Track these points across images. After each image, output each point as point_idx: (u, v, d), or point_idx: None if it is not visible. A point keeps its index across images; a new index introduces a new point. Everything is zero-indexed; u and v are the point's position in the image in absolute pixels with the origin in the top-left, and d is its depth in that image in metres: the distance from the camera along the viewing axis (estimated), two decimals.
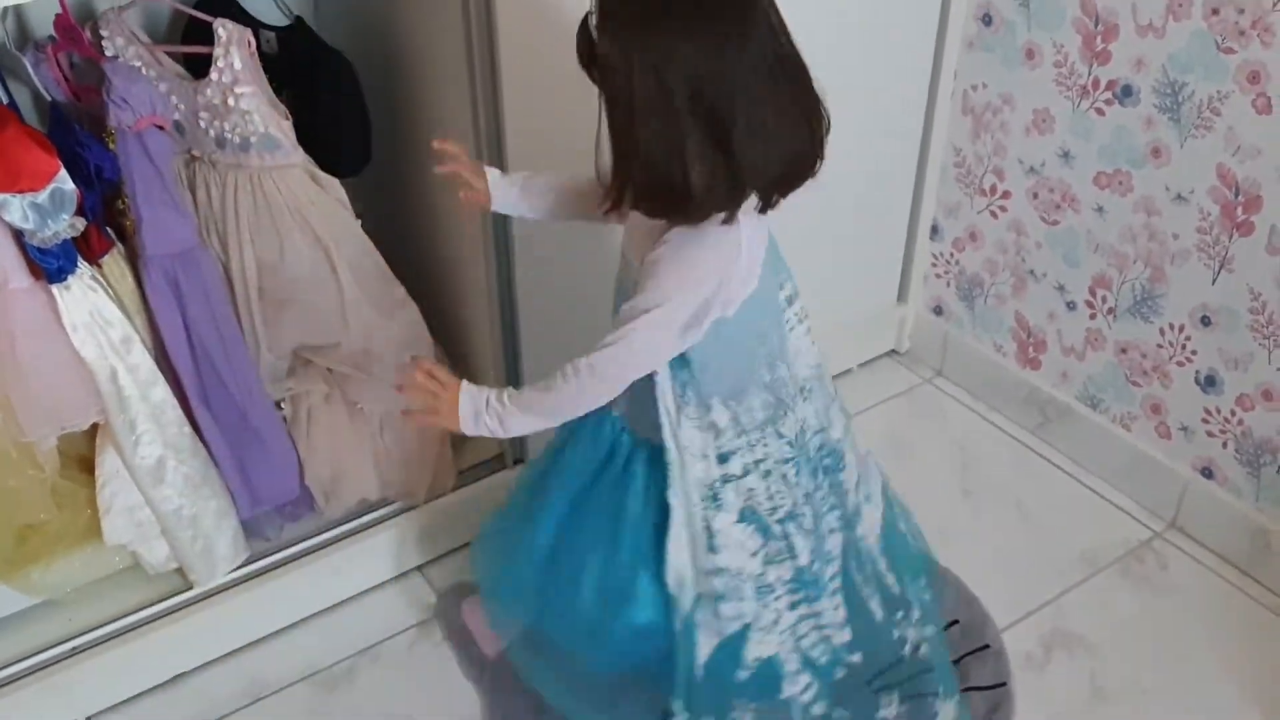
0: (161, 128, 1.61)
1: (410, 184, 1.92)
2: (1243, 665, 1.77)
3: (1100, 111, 1.89)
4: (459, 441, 1.95)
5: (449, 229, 1.90)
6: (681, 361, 1.32)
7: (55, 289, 1.55)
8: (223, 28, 1.61)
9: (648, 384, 1.33)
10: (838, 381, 2.33)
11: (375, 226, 1.82)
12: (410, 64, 1.79)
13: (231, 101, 1.65)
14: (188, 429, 1.70)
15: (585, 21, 1.19)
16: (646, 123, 1.14)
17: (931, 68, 2.12)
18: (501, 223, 1.73)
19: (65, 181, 1.47)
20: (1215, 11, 1.69)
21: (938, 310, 2.36)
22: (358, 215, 1.79)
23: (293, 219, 1.73)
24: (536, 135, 1.66)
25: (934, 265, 2.32)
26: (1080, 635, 1.83)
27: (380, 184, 1.90)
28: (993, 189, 2.13)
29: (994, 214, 2.15)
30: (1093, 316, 2.04)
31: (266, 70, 1.71)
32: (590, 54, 1.19)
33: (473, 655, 1.77)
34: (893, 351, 2.44)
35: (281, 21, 1.76)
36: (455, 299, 1.94)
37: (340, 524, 1.86)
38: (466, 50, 1.61)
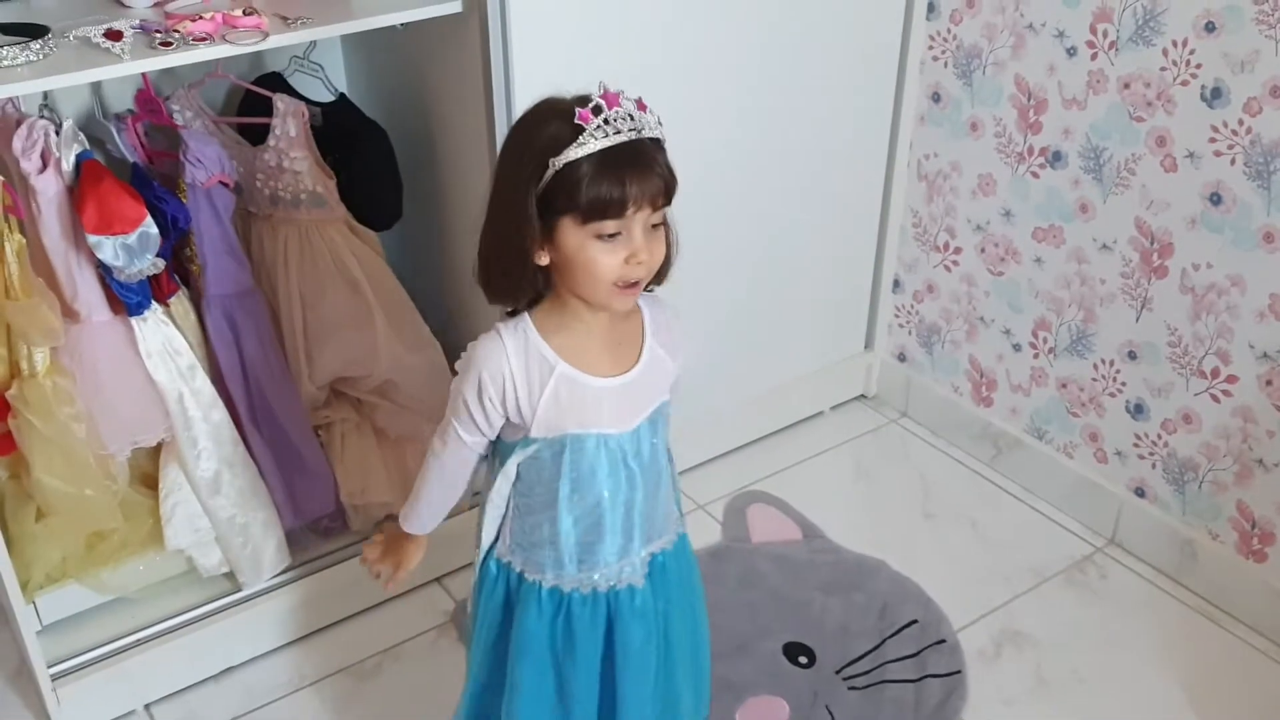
0: (227, 185, 1.88)
1: (433, 237, 2.18)
2: (1172, 660, 2.00)
3: (1035, 175, 2.18)
4: None
5: (464, 275, 2.15)
6: None
7: (134, 321, 1.81)
8: (281, 101, 1.90)
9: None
10: (811, 424, 2.61)
11: (403, 274, 2.09)
12: (435, 133, 2.07)
13: (286, 164, 1.93)
14: (241, 448, 1.94)
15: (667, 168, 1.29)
16: None
17: (889, 140, 2.41)
18: None
19: (151, 226, 1.73)
20: (1127, 86, 1.98)
21: (901, 357, 2.62)
22: (389, 264, 2.06)
23: (334, 265, 1.99)
24: None
25: (896, 316, 2.59)
26: (1027, 634, 2.06)
27: (408, 237, 2.17)
28: (946, 245, 2.41)
29: (948, 268, 2.42)
30: (1036, 356, 2.30)
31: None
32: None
33: None
34: (861, 396, 2.70)
35: (326, 98, 2.04)
36: (471, 339, 2.19)
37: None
38: (488, 122, 1.88)
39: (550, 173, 1.22)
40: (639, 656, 1.44)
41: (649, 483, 1.40)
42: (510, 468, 1.38)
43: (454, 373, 1.46)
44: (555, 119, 1.23)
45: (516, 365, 1.32)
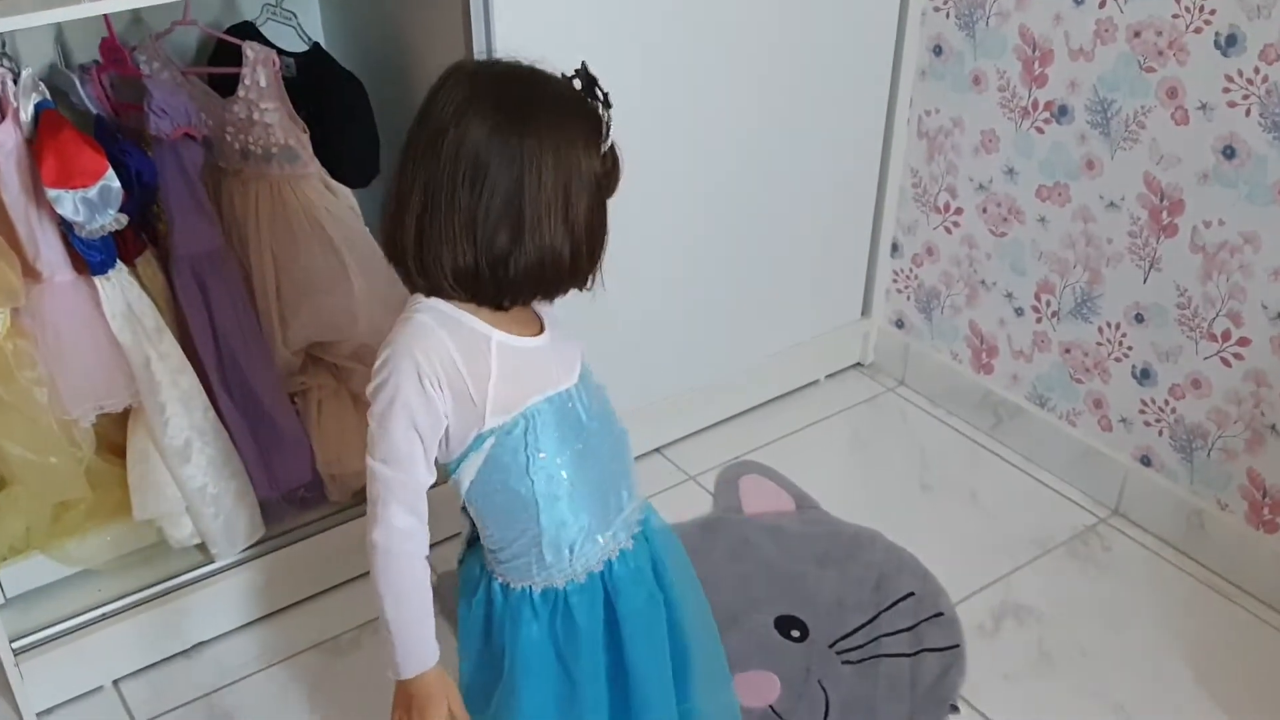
0: (194, 138, 1.79)
1: None
2: (1179, 634, 1.93)
3: (1040, 130, 2.09)
4: None
5: None
6: None
7: (97, 280, 1.72)
8: (250, 49, 1.81)
9: None
10: (805, 393, 2.52)
11: None
12: (415, 87, 1.98)
13: (256, 116, 1.84)
14: (212, 414, 1.86)
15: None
16: None
17: (888, 96, 2.32)
18: None
19: (113, 180, 1.64)
20: (1137, 34, 1.89)
21: (899, 323, 2.54)
22: (366, 223, 1.98)
23: (309, 223, 1.91)
24: None
25: (895, 281, 2.51)
26: (1029, 607, 1.99)
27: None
28: (946, 206, 2.32)
29: (948, 229, 2.34)
30: (1039, 320, 2.22)
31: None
32: None
33: None
34: (858, 364, 2.61)
35: (299, 48, 1.95)
36: None
37: (346, 509, 2.01)
38: None
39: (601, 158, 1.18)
40: (646, 620, 1.32)
41: (610, 435, 1.31)
42: (462, 488, 1.25)
43: None
44: (565, 99, 1.18)
45: (451, 341, 1.18)
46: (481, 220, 1.13)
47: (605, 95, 1.20)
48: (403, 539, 1.22)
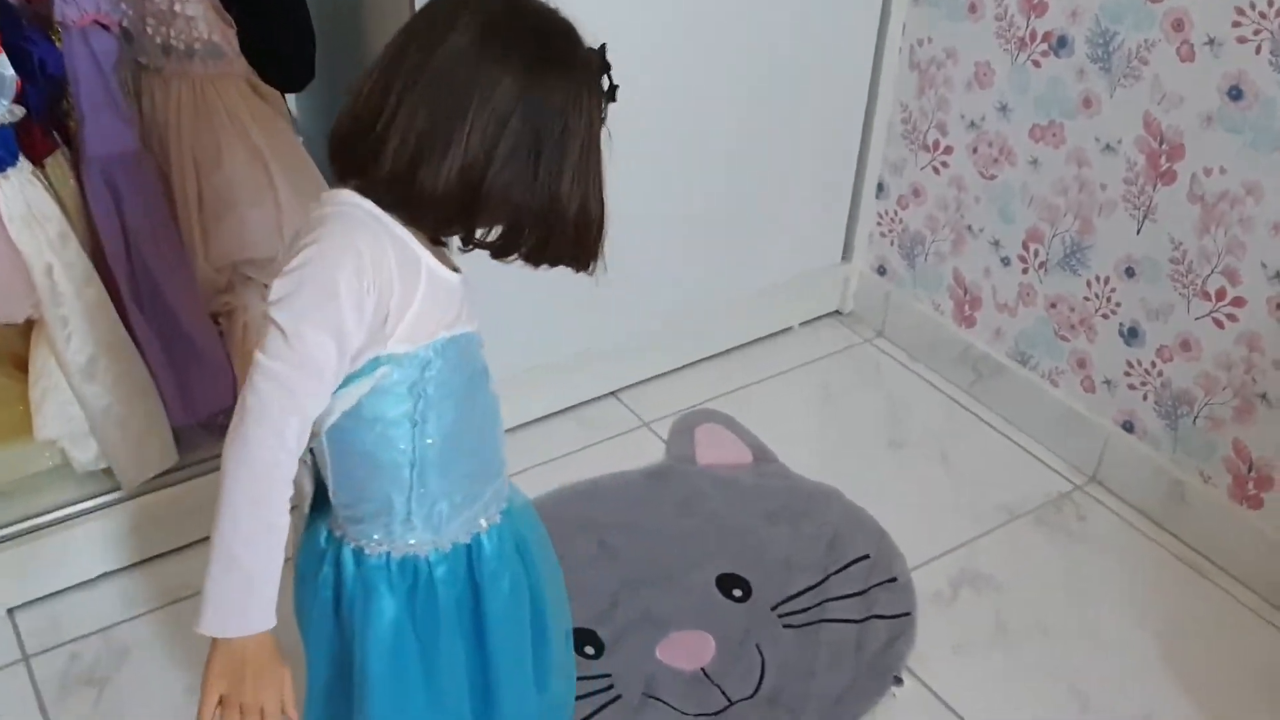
0: (106, 27, 1.65)
1: None
2: (1149, 612, 1.80)
3: (1037, 63, 1.93)
4: None
5: None
6: None
7: None
8: None
9: None
10: (777, 340, 2.38)
11: (317, 144, 1.86)
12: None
13: (178, 8, 1.70)
14: (121, 331, 1.73)
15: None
16: None
17: (879, 23, 2.16)
18: None
19: (5, 66, 1.50)
20: None
21: (881, 270, 2.39)
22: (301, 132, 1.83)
23: (232, 126, 1.77)
24: None
25: (879, 224, 2.35)
26: (989, 576, 1.86)
27: (324, 102, 1.94)
28: (936, 144, 2.16)
29: (936, 170, 2.18)
30: (1025, 271, 2.08)
31: None
32: None
33: None
34: (836, 311, 2.47)
35: None
36: None
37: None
38: None
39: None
40: (511, 606, 1.18)
41: (490, 395, 1.16)
42: (324, 423, 1.06)
43: None
44: (590, 64, 1.04)
45: (391, 248, 1.00)
46: (482, 163, 0.98)
47: (613, 89, 1.05)
48: (290, 459, 1.01)
